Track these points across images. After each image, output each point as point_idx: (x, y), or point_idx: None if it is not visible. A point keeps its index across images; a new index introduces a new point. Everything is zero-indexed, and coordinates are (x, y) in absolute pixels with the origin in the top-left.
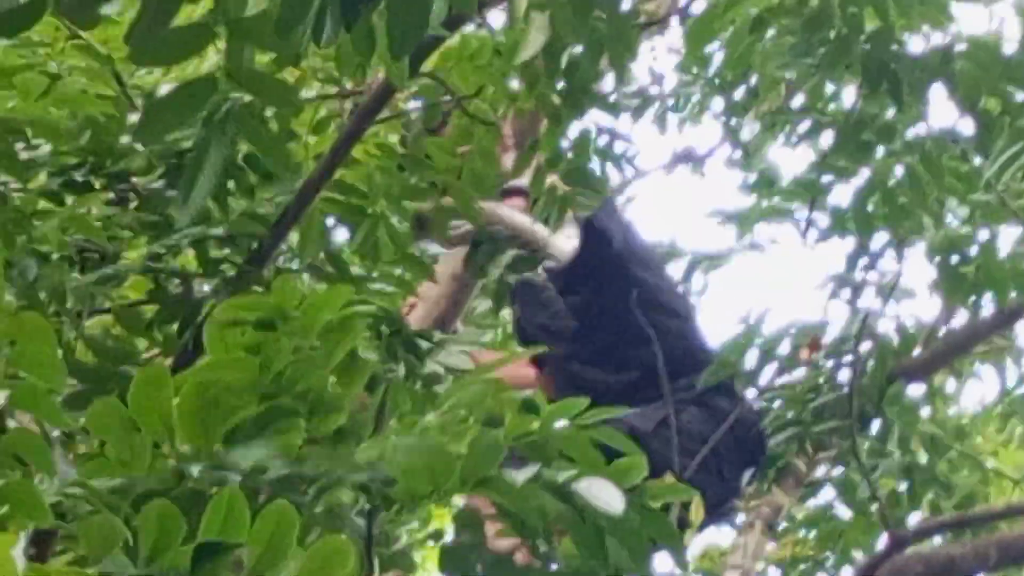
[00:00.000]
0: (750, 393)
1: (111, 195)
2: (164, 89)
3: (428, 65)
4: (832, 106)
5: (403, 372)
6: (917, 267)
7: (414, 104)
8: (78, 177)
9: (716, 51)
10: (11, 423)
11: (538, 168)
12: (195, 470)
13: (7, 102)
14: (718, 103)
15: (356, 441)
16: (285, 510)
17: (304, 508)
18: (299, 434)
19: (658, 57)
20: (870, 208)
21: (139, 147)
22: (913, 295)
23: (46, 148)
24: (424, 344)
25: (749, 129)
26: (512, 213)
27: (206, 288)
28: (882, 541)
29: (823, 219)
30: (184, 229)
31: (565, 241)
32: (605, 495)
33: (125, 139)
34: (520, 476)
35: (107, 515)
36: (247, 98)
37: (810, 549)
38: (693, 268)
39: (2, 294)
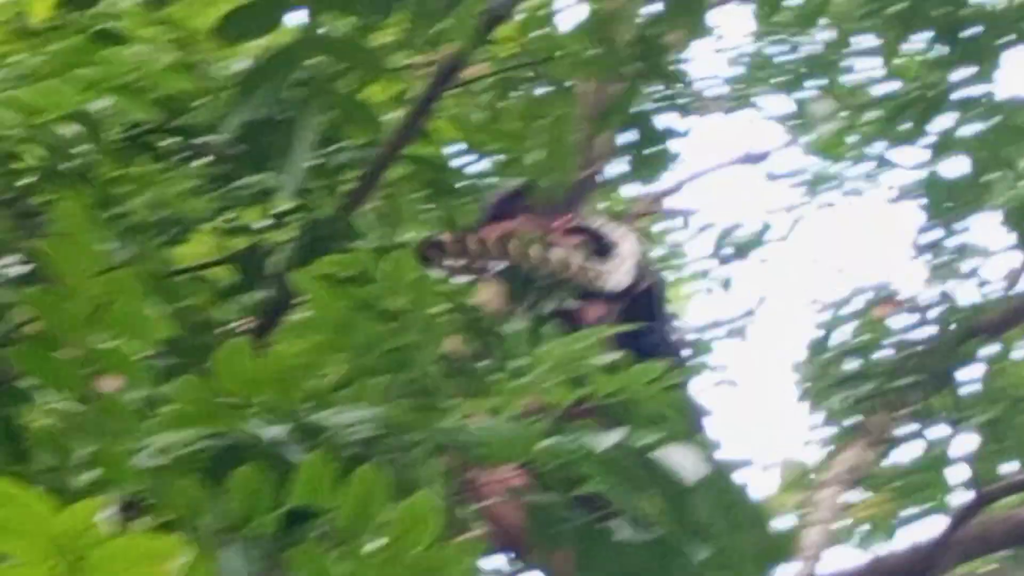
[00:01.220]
0: None
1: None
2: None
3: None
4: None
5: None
6: (990, 230)
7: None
8: (146, 135)
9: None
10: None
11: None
12: (278, 429)
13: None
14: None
15: (435, 399)
16: (373, 475)
17: (389, 466)
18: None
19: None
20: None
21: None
22: (987, 254)
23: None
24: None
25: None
26: (568, 255)
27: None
28: (962, 498)
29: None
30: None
31: (617, 274)
32: (684, 465)
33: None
34: (604, 442)
35: (193, 479)
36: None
37: (892, 504)
38: (764, 232)
39: (98, 252)
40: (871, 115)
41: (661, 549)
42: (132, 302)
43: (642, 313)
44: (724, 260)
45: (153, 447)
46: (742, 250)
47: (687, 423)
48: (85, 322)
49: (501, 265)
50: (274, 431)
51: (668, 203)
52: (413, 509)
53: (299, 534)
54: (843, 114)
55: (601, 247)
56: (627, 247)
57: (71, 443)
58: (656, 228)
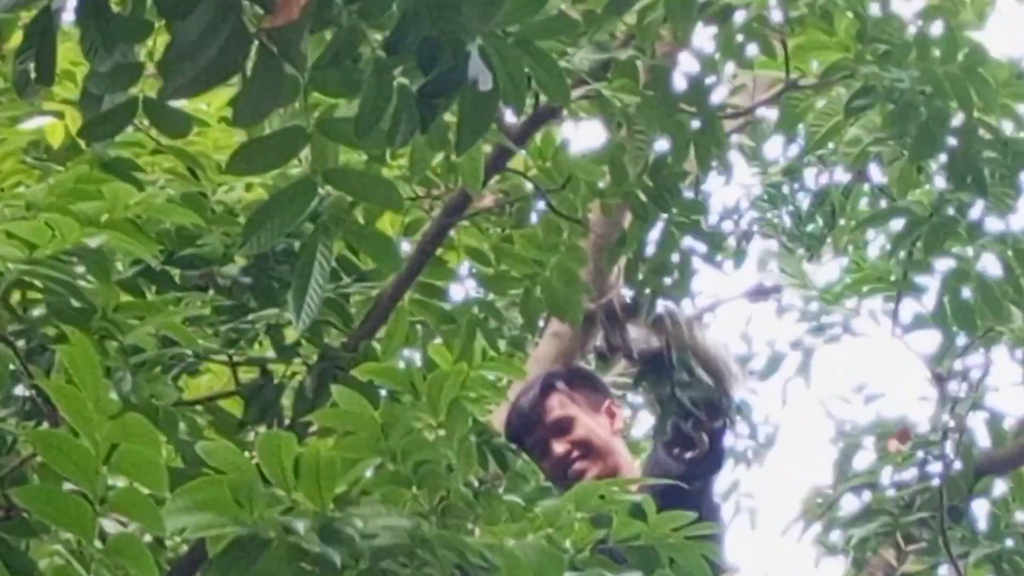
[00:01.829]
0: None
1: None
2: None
3: (515, 163)
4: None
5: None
6: (1002, 362)
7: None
8: (155, 266)
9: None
10: (110, 525)
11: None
12: (301, 525)
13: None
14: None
15: (462, 519)
16: None
17: None
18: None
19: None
20: (960, 299)
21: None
22: (997, 389)
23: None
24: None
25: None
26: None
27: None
28: None
29: (909, 310)
30: (259, 313)
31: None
32: None
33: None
34: None
35: None
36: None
37: None
38: (778, 362)
39: (107, 397)
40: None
41: None
42: (142, 446)
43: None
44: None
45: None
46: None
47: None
48: (93, 464)
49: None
50: (304, 526)
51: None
52: None
53: None
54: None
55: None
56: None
57: None
58: None
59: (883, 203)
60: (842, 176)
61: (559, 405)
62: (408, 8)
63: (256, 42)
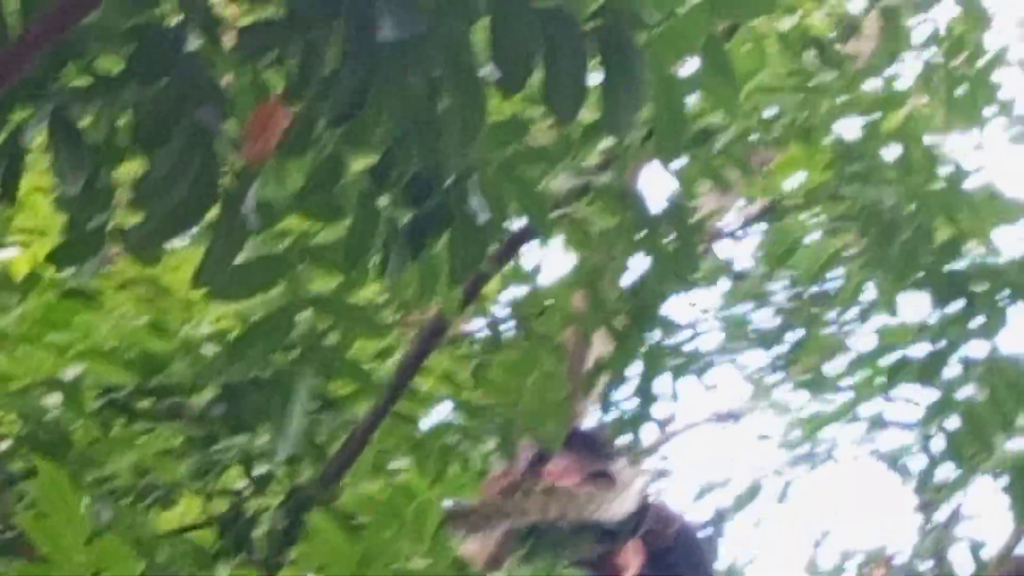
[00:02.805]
0: None
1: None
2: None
3: (490, 289)
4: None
5: None
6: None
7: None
8: (122, 397)
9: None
10: None
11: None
12: None
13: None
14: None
15: None
16: None
17: None
18: None
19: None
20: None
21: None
22: (978, 518)
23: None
24: None
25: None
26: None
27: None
28: None
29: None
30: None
31: (619, 505)
32: None
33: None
34: None
35: None
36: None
37: None
38: (755, 492)
39: (82, 524)
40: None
41: None
42: (123, 570)
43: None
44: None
45: None
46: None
47: None
48: None
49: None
50: None
51: (647, 461)
52: None
53: None
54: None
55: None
56: (633, 482)
57: None
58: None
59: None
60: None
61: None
62: (395, 135)
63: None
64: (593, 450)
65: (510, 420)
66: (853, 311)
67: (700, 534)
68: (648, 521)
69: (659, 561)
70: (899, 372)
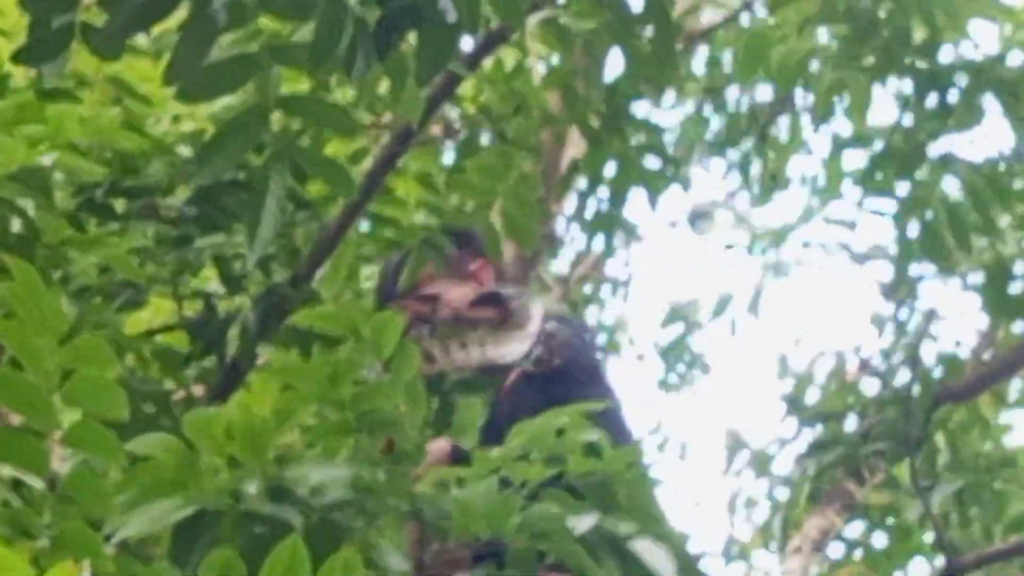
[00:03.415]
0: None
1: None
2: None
3: (464, 88)
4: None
5: None
6: (955, 291)
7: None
8: (98, 196)
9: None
10: (59, 463)
11: None
12: (250, 487)
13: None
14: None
15: (413, 465)
16: (351, 561)
17: (354, 533)
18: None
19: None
20: (926, 225)
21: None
22: (948, 318)
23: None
24: None
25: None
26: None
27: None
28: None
29: (860, 242)
30: (204, 239)
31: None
32: (660, 562)
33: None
34: (581, 525)
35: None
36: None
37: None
38: (726, 302)
39: (58, 321)
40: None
41: None
42: (97, 370)
43: (560, 390)
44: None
45: (133, 521)
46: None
47: (661, 515)
48: (44, 397)
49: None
50: (251, 488)
51: (612, 266)
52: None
53: None
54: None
55: (507, 317)
56: (531, 319)
57: (32, 520)
58: (598, 293)
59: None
60: (765, 97)
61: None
62: None
63: None
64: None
65: (489, 220)
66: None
67: (591, 360)
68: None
69: (549, 386)
70: (878, 165)
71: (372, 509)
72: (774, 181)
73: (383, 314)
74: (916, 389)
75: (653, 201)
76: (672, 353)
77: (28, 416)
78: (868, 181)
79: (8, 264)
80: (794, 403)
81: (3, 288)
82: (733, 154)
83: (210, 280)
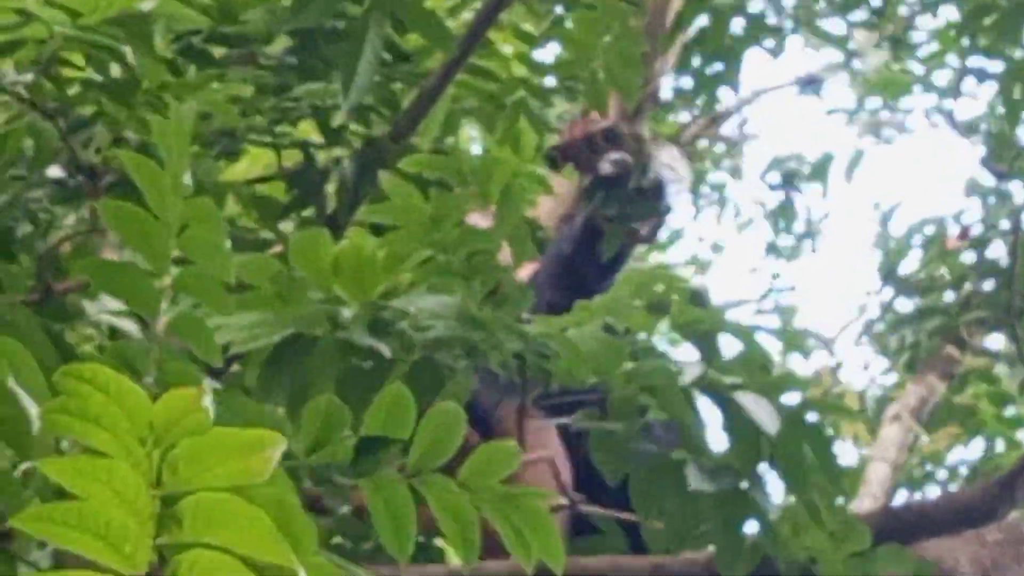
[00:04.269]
0: None
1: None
2: None
3: None
4: None
5: None
6: None
7: None
8: (197, 43)
9: None
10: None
11: None
12: (347, 313)
13: None
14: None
15: (517, 309)
16: (453, 410)
17: (456, 374)
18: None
19: None
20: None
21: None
22: None
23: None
24: None
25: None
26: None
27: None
28: None
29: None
30: (303, 87)
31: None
32: (764, 414)
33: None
34: (688, 375)
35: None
36: None
37: (960, 442)
38: (827, 164)
39: (185, 176)
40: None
41: (734, 498)
42: (208, 231)
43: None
44: (783, 185)
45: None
46: (800, 177)
47: (768, 365)
48: (164, 241)
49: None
50: (350, 316)
51: (723, 127)
52: (490, 449)
53: (371, 462)
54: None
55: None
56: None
57: (140, 357)
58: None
59: None
60: None
61: None
62: None
63: None
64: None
65: (595, 74)
66: None
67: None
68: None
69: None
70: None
71: (478, 345)
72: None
73: (488, 157)
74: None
75: (775, 54)
76: (781, 216)
77: (147, 255)
78: (973, 34)
79: (107, 109)
80: (891, 272)
81: (156, 125)
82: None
83: (309, 132)
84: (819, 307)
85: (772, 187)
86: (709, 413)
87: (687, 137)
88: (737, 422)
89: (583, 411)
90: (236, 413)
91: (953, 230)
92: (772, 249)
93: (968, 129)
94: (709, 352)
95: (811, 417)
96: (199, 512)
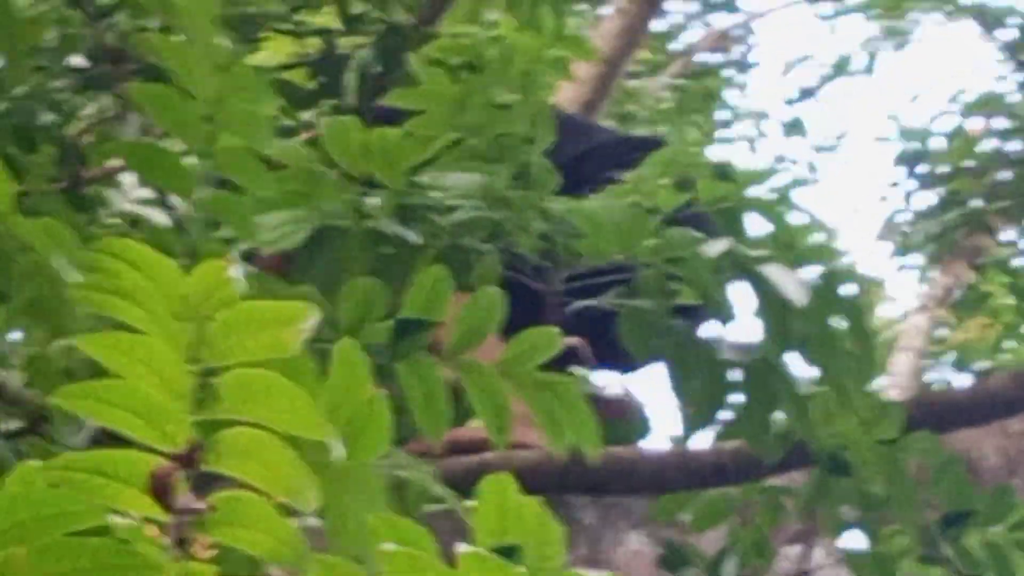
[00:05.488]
0: None
1: None
2: None
3: None
4: None
5: None
6: None
7: None
8: None
9: None
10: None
11: None
12: (376, 200)
13: None
14: None
15: (544, 190)
16: (493, 296)
17: (482, 255)
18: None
19: None
20: None
21: None
22: None
23: None
24: None
25: None
26: None
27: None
28: None
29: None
30: None
31: None
32: (791, 285)
33: None
34: (713, 248)
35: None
36: None
37: (988, 328)
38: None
39: (218, 47)
40: None
41: (763, 369)
42: (249, 102)
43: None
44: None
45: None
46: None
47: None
48: (199, 119)
49: None
50: (376, 204)
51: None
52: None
53: (408, 345)
54: None
55: None
56: None
57: (173, 239)
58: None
59: None
60: None
61: None
62: None
63: None
64: None
65: None
66: None
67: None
68: None
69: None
70: None
71: (504, 225)
72: None
73: (508, 42)
74: None
75: None
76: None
77: (180, 133)
78: None
79: None
80: (913, 161)
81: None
82: None
83: (330, 18)
84: (840, 211)
85: (788, 101)
86: (738, 301)
87: (695, 52)
88: (766, 296)
89: (613, 291)
90: (270, 294)
91: (976, 122)
92: (782, 160)
93: (994, 21)
94: (734, 229)
95: (843, 289)
96: (238, 388)
